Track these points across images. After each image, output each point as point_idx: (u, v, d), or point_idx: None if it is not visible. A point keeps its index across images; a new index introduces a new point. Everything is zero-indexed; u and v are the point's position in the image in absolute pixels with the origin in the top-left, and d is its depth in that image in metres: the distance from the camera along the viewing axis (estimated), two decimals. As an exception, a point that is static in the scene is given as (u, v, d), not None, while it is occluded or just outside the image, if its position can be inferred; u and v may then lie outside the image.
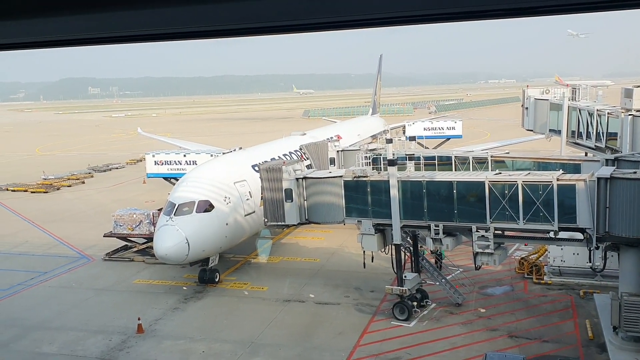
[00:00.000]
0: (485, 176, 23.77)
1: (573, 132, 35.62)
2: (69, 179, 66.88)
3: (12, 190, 61.17)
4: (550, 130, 38.99)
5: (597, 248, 22.24)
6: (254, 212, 30.83)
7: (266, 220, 27.56)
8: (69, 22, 2.13)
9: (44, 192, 60.27)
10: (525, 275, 29.54)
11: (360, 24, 2.04)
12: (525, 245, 32.26)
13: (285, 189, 26.50)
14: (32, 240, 40.99)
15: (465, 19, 2.00)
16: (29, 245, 39.77)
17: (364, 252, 26.43)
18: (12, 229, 44.31)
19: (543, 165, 29.71)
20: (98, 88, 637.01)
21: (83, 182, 65.92)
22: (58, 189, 62.09)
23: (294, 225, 28.03)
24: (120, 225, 35.91)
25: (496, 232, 23.47)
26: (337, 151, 37.26)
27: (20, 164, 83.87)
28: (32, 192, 60.31)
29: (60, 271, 33.97)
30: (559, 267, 28.54)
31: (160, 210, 32.77)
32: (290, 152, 38.13)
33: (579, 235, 22.27)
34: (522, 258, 30.63)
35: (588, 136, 33.78)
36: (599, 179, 20.70)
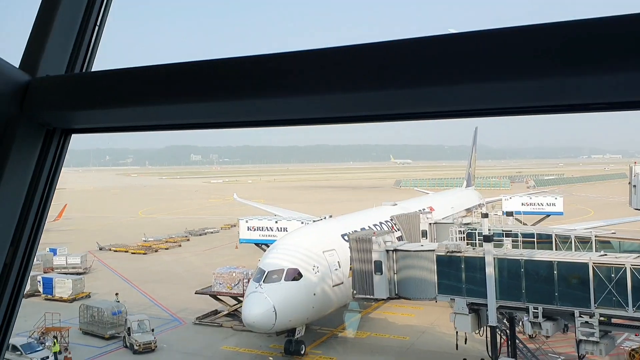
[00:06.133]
0: (589, 257, 22.30)
1: (689, 212, 32.90)
2: (167, 241, 69.85)
3: (114, 251, 64.62)
4: (662, 210, 36.27)
5: None
6: (342, 283, 30.44)
7: (354, 292, 27.11)
8: (175, 109, 2.43)
9: (143, 254, 63.12)
10: (637, 369, 26.82)
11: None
12: (636, 335, 29.52)
13: (374, 261, 26.08)
14: (129, 300, 42.55)
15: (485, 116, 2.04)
16: (126, 306, 41.33)
17: (456, 332, 25.19)
18: (112, 288, 46.36)
19: (655, 248, 27.48)
20: (199, 155, 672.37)
21: (180, 245, 68.60)
22: (156, 250, 64.89)
23: (383, 299, 27.33)
24: (220, 284, 37.08)
25: (602, 318, 21.67)
26: (430, 223, 36.54)
27: (124, 226, 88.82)
28: (132, 253, 63.36)
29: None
30: (677, 362, 25.73)
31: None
32: (380, 223, 37.75)
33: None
34: (632, 349, 27.91)
35: None
36: None
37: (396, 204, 45.11)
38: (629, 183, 40.81)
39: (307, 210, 69.14)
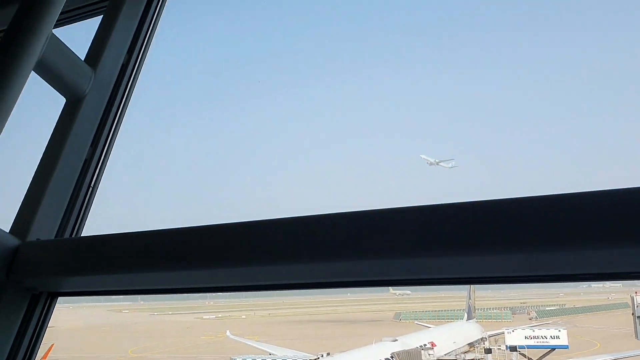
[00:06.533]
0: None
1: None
2: (156, 382, 66.50)
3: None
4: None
5: None
6: None
7: None
8: (164, 275, 2.42)
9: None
10: None
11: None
12: None
13: (376, 405, 24.68)
14: None
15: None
16: None
17: None
18: None
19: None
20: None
21: (170, 387, 65.29)
22: (145, 393, 61.59)
23: None
24: None
25: None
26: (432, 361, 35.20)
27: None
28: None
29: None
30: None
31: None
32: (381, 361, 36.31)
33: None
34: None
35: None
36: None
37: (397, 340, 43.64)
38: (633, 314, 39.93)
39: (304, 347, 66.67)
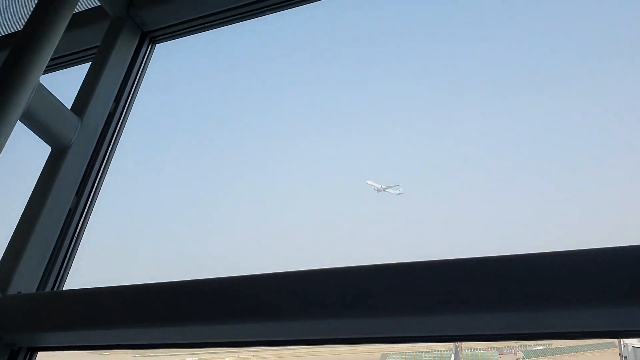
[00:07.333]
0: None
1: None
2: None
3: None
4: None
5: None
6: None
7: None
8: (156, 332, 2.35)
9: None
10: None
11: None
12: None
13: None
14: None
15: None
16: None
17: None
18: None
19: None
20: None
21: None
22: None
23: None
24: None
25: None
26: (419, 404, 34.62)
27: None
28: None
29: None
30: None
31: None
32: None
33: None
34: None
35: None
36: None
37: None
38: (619, 354, 39.78)
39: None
